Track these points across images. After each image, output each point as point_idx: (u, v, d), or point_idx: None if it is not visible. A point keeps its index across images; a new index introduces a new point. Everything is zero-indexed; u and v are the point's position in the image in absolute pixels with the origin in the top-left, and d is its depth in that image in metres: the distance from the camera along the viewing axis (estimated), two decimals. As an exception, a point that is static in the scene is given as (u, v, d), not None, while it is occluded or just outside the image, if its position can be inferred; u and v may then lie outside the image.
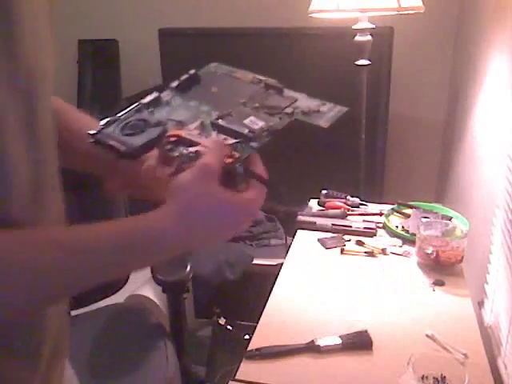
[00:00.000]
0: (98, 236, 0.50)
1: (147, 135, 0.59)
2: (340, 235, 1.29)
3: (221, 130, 0.60)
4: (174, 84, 0.66)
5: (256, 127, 0.61)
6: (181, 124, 0.60)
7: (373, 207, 1.44)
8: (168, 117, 0.62)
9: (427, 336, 0.92)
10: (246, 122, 0.62)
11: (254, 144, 0.59)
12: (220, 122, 0.60)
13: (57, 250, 0.47)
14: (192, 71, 0.67)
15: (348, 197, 1.46)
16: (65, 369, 0.67)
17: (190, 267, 1.27)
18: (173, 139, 0.58)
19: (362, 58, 1.56)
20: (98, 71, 2.39)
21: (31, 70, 0.49)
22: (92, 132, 0.59)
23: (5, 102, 0.45)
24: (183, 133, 0.58)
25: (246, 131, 0.60)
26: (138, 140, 0.59)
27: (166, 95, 0.65)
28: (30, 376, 0.57)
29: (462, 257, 1.12)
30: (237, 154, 0.57)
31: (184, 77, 0.67)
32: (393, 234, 1.28)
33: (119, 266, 0.53)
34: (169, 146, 0.57)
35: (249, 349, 0.89)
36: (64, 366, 0.66)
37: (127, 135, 0.59)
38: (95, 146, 0.59)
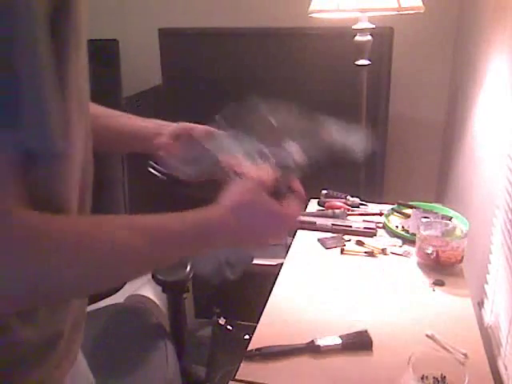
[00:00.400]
0: (169, 225, 0.57)
1: (201, 166, 0.72)
2: (340, 235, 1.29)
3: (265, 157, 0.71)
4: (220, 119, 0.79)
5: (295, 153, 0.72)
6: (230, 154, 0.72)
7: (373, 207, 1.44)
8: (218, 148, 0.74)
9: (427, 336, 0.92)
10: (287, 147, 0.73)
11: (293, 166, 0.71)
12: (264, 149, 0.72)
13: (138, 235, 0.54)
14: (235, 107, 0.79)
15: (348, 197, 1.46)
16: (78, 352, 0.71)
17: (190, 267, 1.27)
18: (227, 167, 0.70)
19: (361, 58, 1.56)
20: (98, 71, 2.39)
21: (84, 70, 0.57)
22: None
23: (72, 96, 0.52)
24: (235, 162, 0.70)
25: (288, 159, 0.72)
26: (193, 170, 0.73)
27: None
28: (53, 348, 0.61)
29: (462, 257, 1.11)
30: (281, 177, 0.69)
31: (227, 113, 0.79)
32: (393, 233, 1.28)
33: (181, 252, 0.61)
34: (224, 174, 0.69)
35: (249, 349, 0.89)
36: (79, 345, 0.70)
37: (185, 165, 0.73)
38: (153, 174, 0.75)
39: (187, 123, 0.91)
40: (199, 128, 0.90)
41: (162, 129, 0.89)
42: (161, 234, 0.57)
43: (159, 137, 0.87)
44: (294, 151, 0.72)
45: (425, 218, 1.26)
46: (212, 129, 0.88)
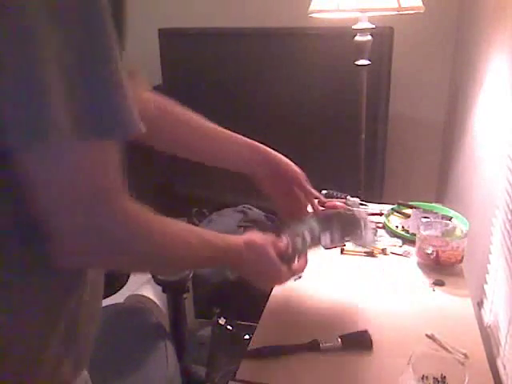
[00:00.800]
0: (209, 237, 0.75)
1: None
2: (340, 235, 1.29)
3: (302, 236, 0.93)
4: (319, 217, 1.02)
5: (323, 242, 0.98)
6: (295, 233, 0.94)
7: (373, 207, 1.44)
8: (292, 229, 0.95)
9: (427, 336, 0.92)
10: (320, 235, 0.97)
11: (307, 247, 0.94)
12: (306, 235, 0.93)
13: (193, 237, 0.72)
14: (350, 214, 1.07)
15: (348, 197, 1.46)
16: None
17: (190, 267, 1.27)
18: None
19: (361, 58, 1.56)
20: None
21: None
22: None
23: None
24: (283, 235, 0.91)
25: (307, 242, 0.93)
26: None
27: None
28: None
29: (462, 257, 1.11)
30: (294, 249, 0.89)
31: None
32: (393, 233, 1.28)
33: (206, 262, 0.79)
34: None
35: (249, 349, 0.89)
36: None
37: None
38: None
39: (281, 160, 1.01)
40: (291, 173, 1.02)
41: (256, 161, 0.99)
42: (209, 244, 0.75)
43: (253, 167, 1.00)
44: (321, 238, 0.97)
45: (425, 218, 1.26)
46: (301, 176, 1.03)
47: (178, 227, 0.69)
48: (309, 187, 1.04)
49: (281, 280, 0.87)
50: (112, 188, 0.56)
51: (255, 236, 0.83)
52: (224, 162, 0.99)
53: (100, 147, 0.54)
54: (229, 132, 0.97)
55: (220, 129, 0.96)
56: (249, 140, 0.98)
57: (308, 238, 0.93)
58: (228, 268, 0.85)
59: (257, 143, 0.99)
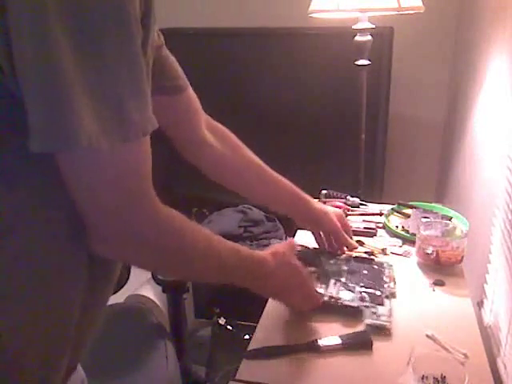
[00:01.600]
0: (234, 245, 0.78)
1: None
2: (340, 235, 1.28)
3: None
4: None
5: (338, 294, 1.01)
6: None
7: (373, 207, 1.44)
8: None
9: (427, 336, 0.92)
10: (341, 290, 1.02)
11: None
12: (333, 281, 1.05)
13: (221, 241, 0.75)
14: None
15: (348, 197, 1.46)
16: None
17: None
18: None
19: (361, 58, 1.56)
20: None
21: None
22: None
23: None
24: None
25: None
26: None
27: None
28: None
29: (462, 257, 1.11)
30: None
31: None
32: (393, 233, 1.28)
33: (233, 275, 0.79)
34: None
35: (249, 349, 0.89)
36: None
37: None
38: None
39: (321, 212, 1.11)
40: (328, 225, 1.12)
41: (300, 209, 1.09)
42: (237, 252, 0.78)
43: (297, 214, 1.11)
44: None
45: (425, 217, 1.26)
46: (337, 229, 1.13)
47: (206, 231, 0.72)
48: (344, 239, 1.15)
49: (311, 292, 0.94)
50: (142, 189, 0.58)
51: (277, 246, 0.90)
52: (273, 205, 1.12)
53: (129, 148, 0.54)
54: (280, 178, 1.06)
55: (275, 175, 1.06)
56: (296, 188, 1.08)
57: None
58: (256, 282, 0.84)
59: (302, 194, 1.08)
